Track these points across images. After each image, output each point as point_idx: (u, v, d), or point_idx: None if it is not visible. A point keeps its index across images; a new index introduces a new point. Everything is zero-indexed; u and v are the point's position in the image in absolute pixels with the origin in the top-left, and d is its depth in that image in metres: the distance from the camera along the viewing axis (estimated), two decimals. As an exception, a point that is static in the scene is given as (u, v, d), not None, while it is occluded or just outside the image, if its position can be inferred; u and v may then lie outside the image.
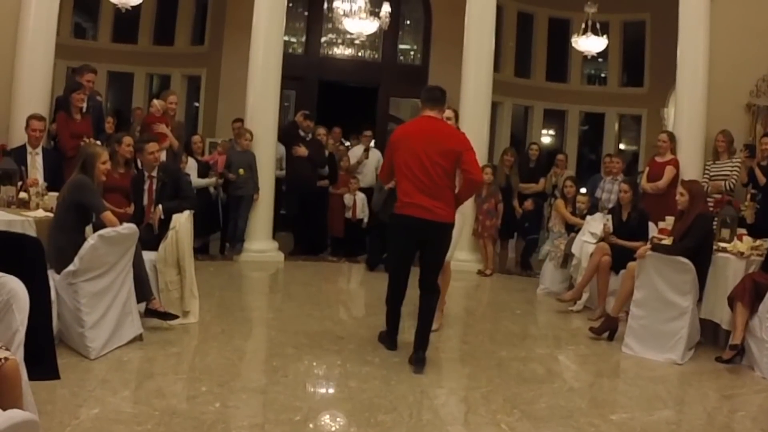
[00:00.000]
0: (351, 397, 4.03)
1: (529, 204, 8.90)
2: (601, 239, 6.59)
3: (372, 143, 9.87)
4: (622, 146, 13.78)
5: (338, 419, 3.76)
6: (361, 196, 9.05)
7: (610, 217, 6.70)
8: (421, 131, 4.66)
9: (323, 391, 4.29)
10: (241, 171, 8.13)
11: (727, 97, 7.77)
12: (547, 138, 13.85)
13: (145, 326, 4.81)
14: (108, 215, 4.59)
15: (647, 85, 12.93)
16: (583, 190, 7.84)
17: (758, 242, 5.60)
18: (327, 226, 9.29)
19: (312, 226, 9.06)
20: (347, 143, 10.60)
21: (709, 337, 5.58)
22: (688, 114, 7.78)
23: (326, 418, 3.74)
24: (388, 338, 5.00)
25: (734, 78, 7.78)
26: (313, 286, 7.30)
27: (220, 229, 8.90)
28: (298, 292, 7.03)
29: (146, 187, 5.80)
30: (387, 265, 5.58)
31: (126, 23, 11.67)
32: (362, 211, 8.99)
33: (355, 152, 9.78)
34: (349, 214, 9.06)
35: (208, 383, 4.05)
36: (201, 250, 8.03)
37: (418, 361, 4.56)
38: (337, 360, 4.74)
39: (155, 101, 7.83)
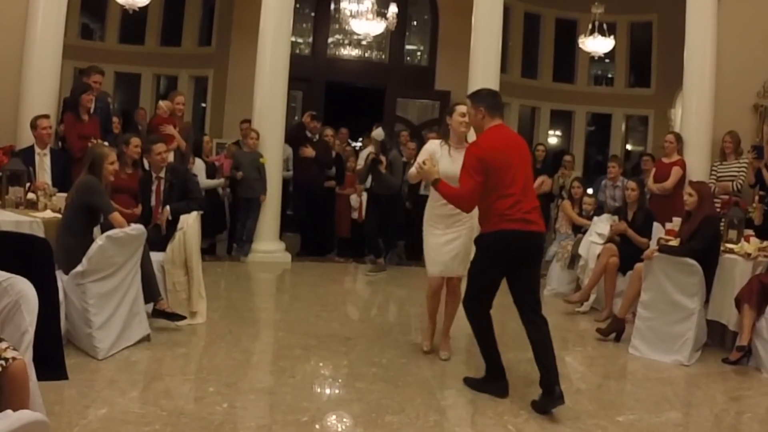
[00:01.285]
0: (358, 398, 4.04)
1: None
2: (609, 240, 6.58)
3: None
4: (629, 147, 13.77)
5: (345, 420, 3.77)
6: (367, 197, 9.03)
7: (616, 218, 6.69)
8: (509, 144, 4.20)
9: (331, 392, 4.30)
10: (239, 174, 8.15)
11: (734, 98, 7.75)
12: (553, 139, 13.84)
13: (152, 327, 4.83)
14: (116, 216, 4.62)
15: (654, 86, 12.92)
16: (589, 191, 7.82)
17: (765, 243, 5.57)
18: (334, 227, 9.30)
19: (318, 226, 9.07)
20: (358, 143, 10.57)
21: (716, 339, 5.56)
22: (695, 115, 7.75)
23: (333, 419, 3.75)
24: (496, 381, 4.26)
25: (741, 79, 7.76)
26: (320, 287, 7.30)
27: (226, 229, 8.93)
28: (305, 293, 7.03)
29: (154, 188, 5.79)
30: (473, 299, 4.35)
31: (133, 24, 11.74)
32: (368, 212, 8.98)
33: (363, 154, 9.77)
34: (355, 215, 9.07)
35: (215, 384, 4.06)
36: (208, 251, 8.04)
37: (559, 396, 3.90)
38: (344, 361, 4.75)
39: (162, 102, 7.83)
